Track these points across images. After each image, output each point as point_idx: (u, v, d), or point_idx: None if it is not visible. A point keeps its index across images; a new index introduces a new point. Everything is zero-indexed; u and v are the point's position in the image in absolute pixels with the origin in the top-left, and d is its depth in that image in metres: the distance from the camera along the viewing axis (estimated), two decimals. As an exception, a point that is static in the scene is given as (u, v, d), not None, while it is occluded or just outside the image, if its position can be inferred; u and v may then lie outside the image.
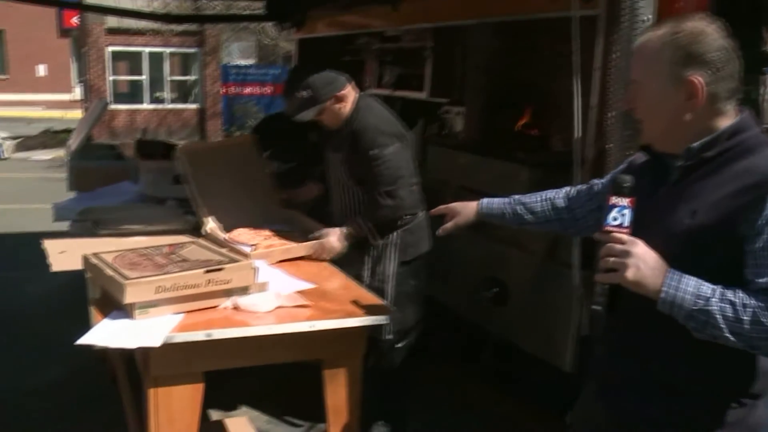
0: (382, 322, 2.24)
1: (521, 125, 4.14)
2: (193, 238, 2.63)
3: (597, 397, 1.60)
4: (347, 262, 2.84)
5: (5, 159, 12.97)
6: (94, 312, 2.14)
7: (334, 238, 2.82)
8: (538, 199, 1.89)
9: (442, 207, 2.11)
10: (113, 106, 17.15)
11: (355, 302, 2.36)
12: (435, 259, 3.02)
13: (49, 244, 2.86)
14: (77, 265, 2.40)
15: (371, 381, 2.50)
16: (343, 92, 2.84)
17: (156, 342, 1.91)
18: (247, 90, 18.31)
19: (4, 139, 15.42)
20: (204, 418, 3.35)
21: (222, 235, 2.89)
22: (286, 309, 2.25)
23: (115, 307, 2.11)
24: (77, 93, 18.62)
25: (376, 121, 2.81)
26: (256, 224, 3.02)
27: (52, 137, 16.65)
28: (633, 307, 1.42)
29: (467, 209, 2.03)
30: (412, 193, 2.84)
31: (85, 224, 3.14)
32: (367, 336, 2.34)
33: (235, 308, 2.22)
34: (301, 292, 2.43)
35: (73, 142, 4.60)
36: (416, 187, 2.90)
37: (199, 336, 2.02)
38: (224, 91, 18.06)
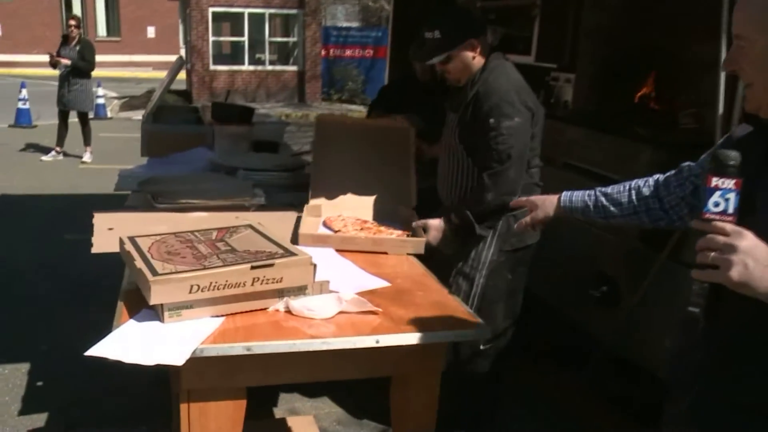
0: (466, 339, 1.81)
1: (643, 96, 3.58)
2: (251, 220, 2.25)
3: (690, 419, 1.39)
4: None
5: (110, 118, 13.17)
6: (121, 309, 1.79)
7: (436, 231, 2.47)
8: (623, 189, 1.75)
9: (522, 199, 2.00)
10: (213, 67, 17.19)
11: (436, 308, 1.93)
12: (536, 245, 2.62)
13: (99, 219, 2.54)
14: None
15: (451, 389, 2.10)
16: (477, 41, 2.43)
17: (178, 359, 1.54)
18: (348, 52, 18.05)
19: (110, 98, 15.80)
20: (266, 414, 3.08)
21: (320, 217, 2.68)
22: (349, 315, 1.85)
23: (145, 305, 1.76)
24: (183, 54, 18.81)
25: (507, 86, 2.39)
26: (365, 215, 2.76)
27: (162, 97, 16.88)
28: (737, 311, 1.21)
29: (547, 204, 1.90)
30: (523, 177, 2.43)
31: (144, 196, 2.82)
32: (446, 348, 1.91)
33: (288, 312, 1.83)
34: (371, 293, 2.02)
35: (150, 103, 4.34)
36: (536, 170, 2.52)
37: (236, 350, 1.64)
38: (324, 53, 17.87)
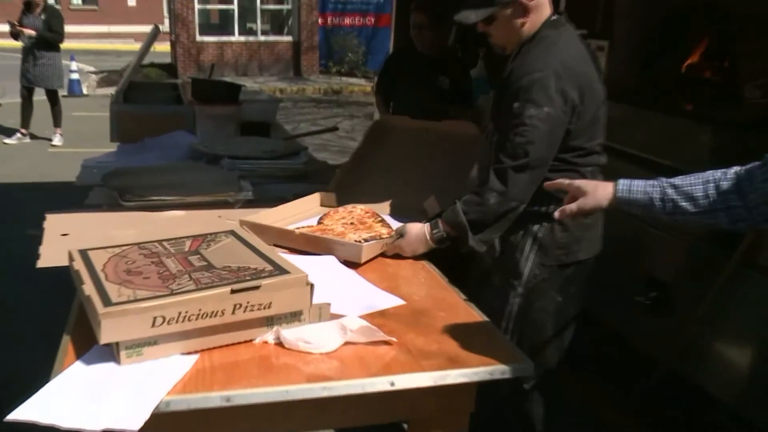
0: (503, 376, 1.55)
1: (693, 65, 3.30)
2: (234, 226, 2.01)
3: None
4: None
5: (85, 96, 12.91)
6: (66, 346, 1.54)
7: (414, 238, 2.19)
8: (697, 181, 1.56)
9: (564, 182, 1.75)
10: (201, 38, 16.89)
11: (463, 334, 1.69)
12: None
13: (51, 222, 2.32)
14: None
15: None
16: (530, 4, 2.10)
17: (133, 423, 1.28)
18: (347, 21, 17.72)
19: (86, 74, 15.53)
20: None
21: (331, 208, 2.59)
22: (356, 347, 1.60)
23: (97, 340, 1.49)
24: (167, 25, 18.50)
25: (550, 65, 2.02)
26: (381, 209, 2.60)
27: (137, 71, 16.65)
28: None
29: (599, 192, 1.68)
30: (537, 184, 2.10)
31: (110, 192, 2.59)
32: (477, 387, 1.66)
33: (279, 345, 1.58)
34: (383, 314, 1.77)
35: (121, 80, 4.09)
36: (594, 169, 2.18)
37: (213, 401, 1.38)
38: (322, 21, 17.54)
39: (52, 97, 8.47)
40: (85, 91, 13.24)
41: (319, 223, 2.44)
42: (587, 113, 2.07)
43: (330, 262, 2.12)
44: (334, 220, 2.46)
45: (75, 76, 13.04)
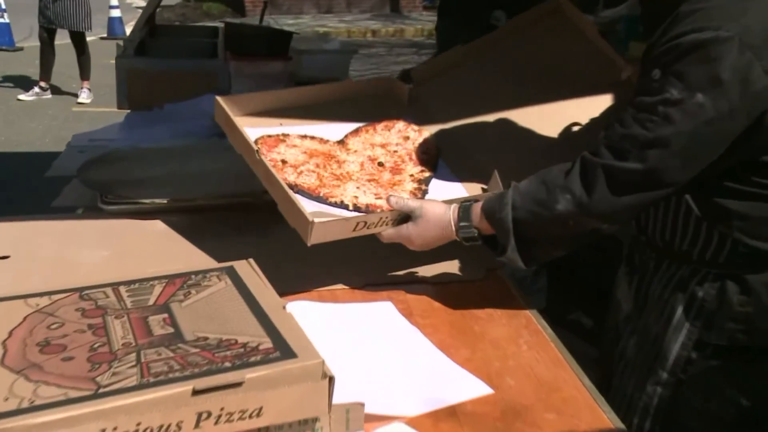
0: None
1: None
2: (239, 262, 1.73)
3: None
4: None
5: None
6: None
7: (431, 226, 1.88)
8: None
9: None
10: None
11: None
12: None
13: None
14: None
15: None
16: None
17: None
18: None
19: (134, 8, 15.70)
20: None
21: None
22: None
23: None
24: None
25: (747, 21, 1.54)
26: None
27: (194, 8, 16.79)
28: None
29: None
30: (646, 204, 1.68)
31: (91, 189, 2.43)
32: None
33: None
34: (456, 413, 1.43)
35: (137, 22, 3.90)
36: None
37: None
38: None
39: (78, 41, 8.48)
40: (129, 32, 13.33)
41: (340, 141, 2.22)
42: None
43: (375, 311, 1.80)
44: (356, 142, 2.23)
45: (116, 12, 13.11)
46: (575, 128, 2.32)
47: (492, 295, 1.93)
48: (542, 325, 1.81)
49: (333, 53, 4.17)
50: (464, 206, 1.83)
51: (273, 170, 1.91)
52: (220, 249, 2.04)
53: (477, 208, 1.82)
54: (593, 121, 2.31)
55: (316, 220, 1.80)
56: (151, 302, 1.49)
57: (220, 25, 4.20)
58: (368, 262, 2.04)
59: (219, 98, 2.08)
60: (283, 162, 2.04)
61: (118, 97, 3.59)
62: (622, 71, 2.40)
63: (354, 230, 1.87)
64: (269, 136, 2.13)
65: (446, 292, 1.92)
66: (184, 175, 2.48)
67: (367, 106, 2.34)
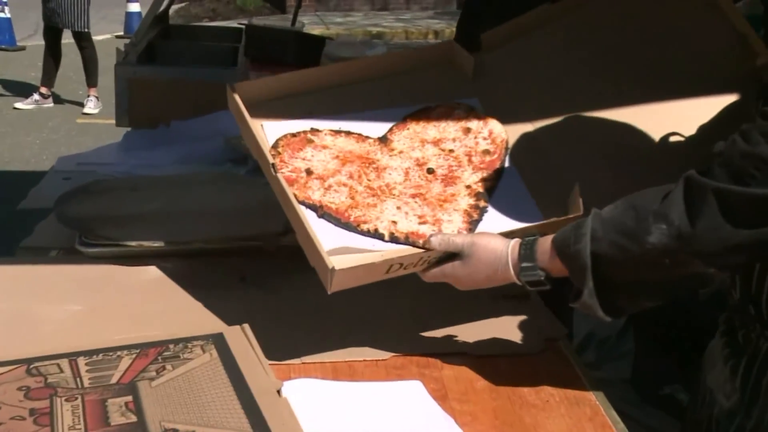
0: None
1: None
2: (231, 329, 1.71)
3: None
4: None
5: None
6: None
7: (482, 266, 1.82)
8: None
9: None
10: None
11: None
12: None
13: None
14: None
15: None
16: None
17: None
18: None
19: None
20: None
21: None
22: None
23: None
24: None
25: None
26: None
27: (227, 2, 17.00)
28: None
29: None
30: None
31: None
32: None
33: None
34: None
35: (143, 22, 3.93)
36: None
37: None
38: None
39: (81, 41, 8.64)
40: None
41: (382, 138, 2.11)
42: None
43: (400, 394, 1.74)
44: (403, 138, 2.13)
45: (135, 6, 13.31)
46: (674, 138, 2.22)
47: (550, 374, 1.86)
48: (612, 418, 1.74)
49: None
50: (527, 242, 1.77)
51: (288, 191, 1.85)
52: (219, 305, 2.01)
53: (545, 243, 1.76)
54: (707, 126, 2.19)
55: (338, 266, 1.73)
56: (114, 380, 1.50)
57: (243, 26, 4.22)
58: (397, 321, 1.99)
59: (233, 86, 2.04)
60: (308, 172, 1.96)
61: (117, 112, 3.61)
62: (758, 57, 2.25)
63: (387, 273, 1.82)
64: (293, 135, 2.05)
65: (492, 368, 1.86)
66: (183, 212, 2.46)
67: (419, 84, 2.23)
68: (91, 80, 8.72)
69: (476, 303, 2.02)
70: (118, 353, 1.58)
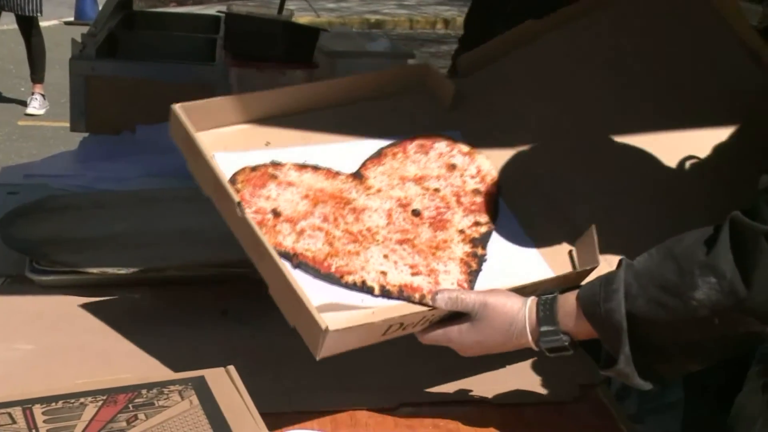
0: None
1: None
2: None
3: None
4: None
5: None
6: None
7: (493, 331, 1.85)
8: None
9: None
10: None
11: None
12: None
13: None
14: None
15: None
16: None
17: None
18: None
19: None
20: None
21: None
22: None
23: None
24: None
25: None
26: None
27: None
28: None
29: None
30: None
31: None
32: None
33: None
34: None
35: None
36: None
37: None
38: None
39: (27, 29, 8.66)
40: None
41: (355, 174, 2.11)
42: None
43: None
44: (380, 174, 2.14)
45: (88, -12, 13.43)
46: (690, 162, 2.26)
47: (586, 427, 1.91)
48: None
49: (379, 57, 4.18)
50: (546, 302, 1.80)
51: (261, 235, 1.83)
52: (196, 343, 2.05)
53: (567, 302, 1.78)
54: (721, 149, 2.26)
55: (332, 327, 1.73)
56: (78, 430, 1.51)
57: (221, 14, 4.25)
58: (406, 362, 2.02)
59: (176, 106, 1.99)
60: (276, 214, 1.95)
61: (71, 114, 3.65)
62: None
63: (384, 335, 1.84)
64: (253, 170, 2.04)
65: (516, 419, 1.90)
66: (153, 234, 2.51)
67: (392, 113, 2.27)
68: (37, 75, 8.81)
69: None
70: (81, 400, 1.60)
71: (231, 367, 1.71)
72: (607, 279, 1.72)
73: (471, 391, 1.97)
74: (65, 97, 8.27)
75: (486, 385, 1.97)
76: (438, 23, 15.15)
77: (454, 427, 1.85)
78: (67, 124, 4.91)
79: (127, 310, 2.25)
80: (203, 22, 4.83)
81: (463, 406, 1.91)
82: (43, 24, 9.02)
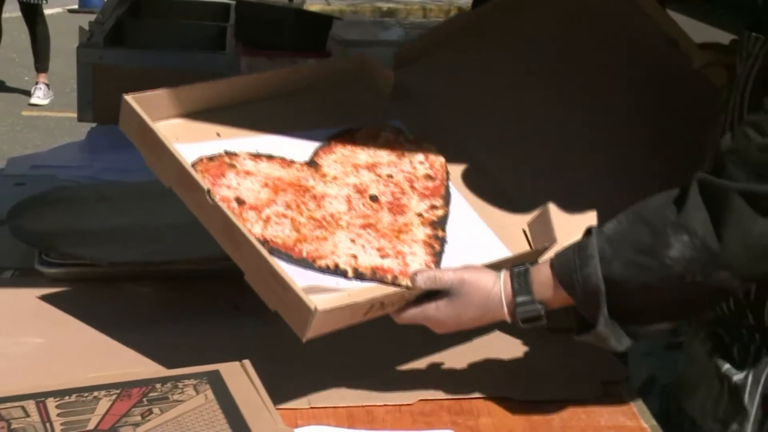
0: None
1: None
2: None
3: None
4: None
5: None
6: None
7: (471, 307, 1.89)
8: None
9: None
10: None
11: None
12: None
13: None
14: None
15: None
16: None
17: None
18: None
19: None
20: None
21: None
22: None
23: None
24: None
25: None
26: None
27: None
28: None
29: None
30: None
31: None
32: None
33: None
34: None
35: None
36: None
37: None
38: None
39: (31, 16, 8.67)
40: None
41: (310, 163, 2.14)
42: None
43: None
44: (333, 163, 2.19)
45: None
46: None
47: (609, 425, 1.91)
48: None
49: (392, 46, 4.19)
50: (519, 273, 1.85)
51: (236, 221, 1.85)
52: (208, 337, 2.06)
53: (540, 272, 1.84)
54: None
55: (320, 307, 1.76)
56: (91, 425, 1.53)
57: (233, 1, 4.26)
58: (423, 357, 2.05)
59: (128, 97, 1.99)
60: (240, 202, 1.97)
61: (79, 105, 3.66)
62: (693, 58, 2.45)
63: (366, 314, 1.87)
64: (210, 159, 2.04)
65: (538, 416, 1.91)
66: (163, 227, 2.51)
67: (335, 103, 2.31)
68: (42, 64, 8.80)
69: (519, 338, 2.08)
70: (95, 394, 1.60)
71: (246, 362, 1.71)
72: (580, 246, 1.78)
73: (492, 387, 1.97)
74: (69, 87, 8.37)
75: (507, 381, 1.99)
76: (452, 11, 15.09)
77: (473, 422, 1.86)
78: (72, 115, 4.95)
79: (138, 304, 2.27)
80: (213, 10, 4.84)
81: (483, 402, 1.92)
82: (46, 12, 9.03)
